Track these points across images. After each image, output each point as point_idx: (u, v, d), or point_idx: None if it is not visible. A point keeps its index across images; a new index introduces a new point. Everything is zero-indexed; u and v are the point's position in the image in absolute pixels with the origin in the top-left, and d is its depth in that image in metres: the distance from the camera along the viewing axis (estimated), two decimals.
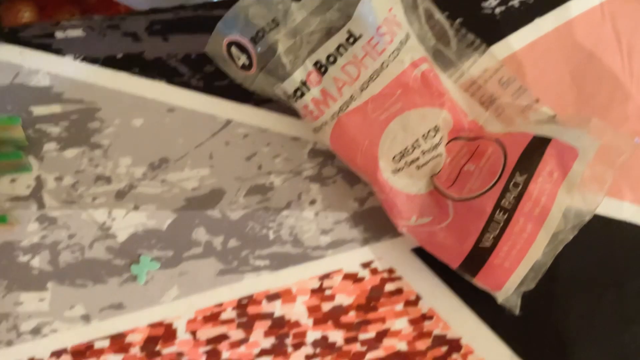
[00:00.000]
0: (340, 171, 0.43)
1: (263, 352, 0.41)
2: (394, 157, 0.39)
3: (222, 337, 0.41)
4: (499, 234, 0.37)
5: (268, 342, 0.41)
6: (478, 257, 0.38)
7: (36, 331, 0.41)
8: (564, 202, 0.37)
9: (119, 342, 0.41)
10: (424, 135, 0.39)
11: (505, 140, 0.39)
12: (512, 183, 0.37)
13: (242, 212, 0.43)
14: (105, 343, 0.41)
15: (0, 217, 0.41)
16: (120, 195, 0.43)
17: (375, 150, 0.39)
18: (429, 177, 0.40)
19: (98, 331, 0.41)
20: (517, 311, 0.40)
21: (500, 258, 0.38)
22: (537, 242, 0.37)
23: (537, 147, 0.38)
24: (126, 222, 0.42)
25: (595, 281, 0.42)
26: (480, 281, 0.39)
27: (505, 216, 0.37)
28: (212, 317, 0.42)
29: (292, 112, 0.43)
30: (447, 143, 0.40)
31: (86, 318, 0.41)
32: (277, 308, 0.42)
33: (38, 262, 0.42)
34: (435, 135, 0.39)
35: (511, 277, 0.38)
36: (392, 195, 0.40)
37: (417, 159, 0.39)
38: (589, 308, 0.42)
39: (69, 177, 0.43)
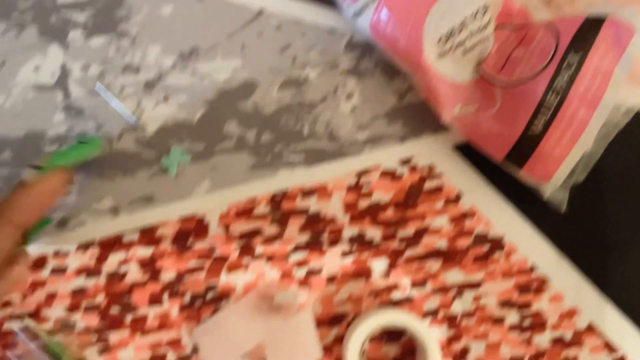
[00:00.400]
0: (378, 64, 0.41)
1: (298, 248, 0.40)
2: (439, 39, 0.37)
3: (256, 232, 0.40)
4: (550, 118, 0.36)
5: (303, 238, 0.40)
6: (527, 144, 0.36)
7: (63, 223, 0.40)
8: (619, 84, 0.35)
9: (148, 235, 0.40)
10: (472, 14, 0.37)
11: (556, 23, 0.37)
12: (565, 63, 0.35)
13: (276, 106, 0.41)
14: (135, 236, 0.40)
15: (46, 220, 0.38)
16: (149, 85, 0.41)
17: (420, 32, 0.37)
18: (474, 65, 0.38)
19: (127, 224, 0.40)
20: (564, 208, 0.38)
21: (551, 145, 0.36)
22: (589, 126, 0.35)
23: (592, 26, 0.36)
24: (156, 114, 0.40)
25: None
26: (528, 172, 0.37)
27: (558, 99, 0.35)
28: (245, 212, 0.40)
29: (328, 2, 0.41)
30: (494, 29, 0.38)
31: (115, 210, 0.40)
32: (312, 204, 0.40)
33: None
34: (484, 15, 0.37)
35: (561, 166, 0.36)
36: (436, 82, 0.38)
37: (464, 41, 0.37)
38: (638, 208, 0.40)
39: (95, 65, 0.41)
